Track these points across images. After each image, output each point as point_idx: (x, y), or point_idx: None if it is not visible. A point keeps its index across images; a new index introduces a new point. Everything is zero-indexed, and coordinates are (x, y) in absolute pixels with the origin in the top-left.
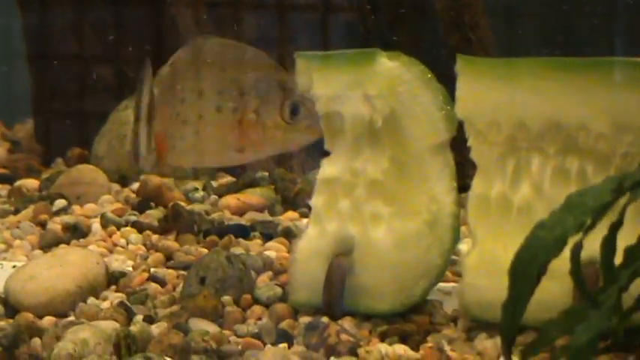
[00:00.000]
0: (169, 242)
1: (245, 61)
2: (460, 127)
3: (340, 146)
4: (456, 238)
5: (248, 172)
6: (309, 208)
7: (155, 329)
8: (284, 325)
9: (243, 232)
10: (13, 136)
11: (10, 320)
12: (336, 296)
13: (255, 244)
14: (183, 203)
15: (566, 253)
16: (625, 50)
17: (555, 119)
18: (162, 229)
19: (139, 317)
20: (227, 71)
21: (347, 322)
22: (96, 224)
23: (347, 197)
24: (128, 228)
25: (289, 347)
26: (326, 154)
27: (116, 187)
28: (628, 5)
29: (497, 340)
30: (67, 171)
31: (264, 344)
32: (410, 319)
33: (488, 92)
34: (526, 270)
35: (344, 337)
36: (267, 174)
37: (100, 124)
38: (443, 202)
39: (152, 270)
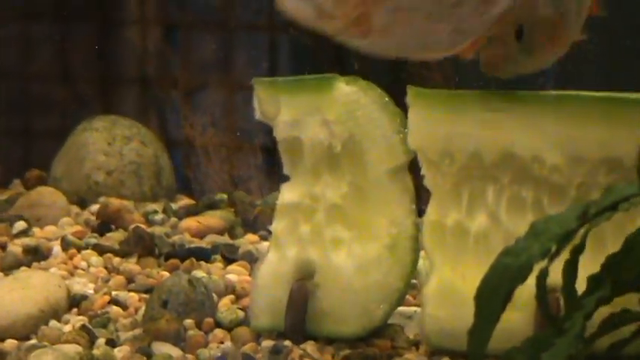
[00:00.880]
0: (131, 265)
1: None
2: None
3: (299, 171)
4: (416, 261)
5: (207, 195)
6: (270, 231)
7: (118, 353)
8: (247, 348)
9: (204, 255)
10: None
11: None
12: (298, 320)
13: (216, 268)
14: (143, 225)
15: (527, 281)
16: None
17: (509, 150)
18: (124, 252)
19: (102, 341)
20: None
21: (310, 347)
22: (56, 247)
23: (307, 222)
24: (89, 251)
25: None
26: (284, 178)
27: (75, 209)
28: None
29: None
30: (26, 193)
31: None
32: (372, 344)
33: (440, 123)
34: (492, 296)
35: None
36: (226, 196)
37: (57, 145)
38: (402, 225)
39: (114, 293)
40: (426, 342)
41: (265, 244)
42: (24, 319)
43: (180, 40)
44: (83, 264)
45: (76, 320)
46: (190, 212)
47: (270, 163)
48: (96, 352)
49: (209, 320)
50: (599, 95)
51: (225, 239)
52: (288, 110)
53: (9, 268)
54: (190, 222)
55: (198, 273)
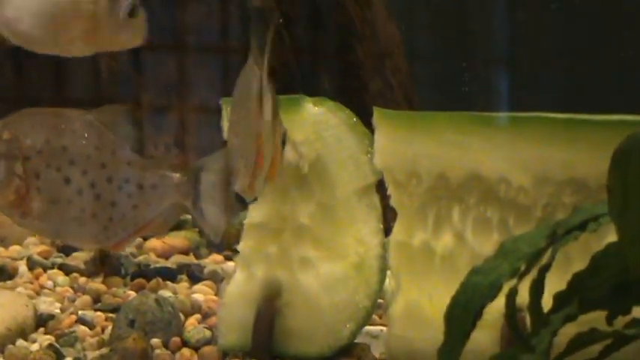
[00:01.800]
0: (97, 285)
1: None
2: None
3: (268, 192)
4: (383, 280)
5: None
6: (234, 251)
7: None
8: None
9: (170, 274)
10: None
11: None
12: (264, 340)
13: (182, 287)
14: None
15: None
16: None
17: (476, 172)
18: (90, 272)
19: (69, 359)
20: None
21: None
22: (22, 266)
23: (274, 242)
24: (55, 270)
25: None
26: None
27: None
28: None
29: None
30: None
31: None
32: None
33: (406, 144)
34: (462, 314)
35: None
36: (190, 217)
37: None
38: (369, 245)
39: (80, 312)
40: None
41: (230, 264)
42: None
43: (143, 61)
44: (49, 283)
45: (43, 339)
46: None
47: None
48: None
49: (176, 339)
50: (563, 117)
51: (191, 259)
52: None
53: None
54: (155, 242)
55: (165, 292)
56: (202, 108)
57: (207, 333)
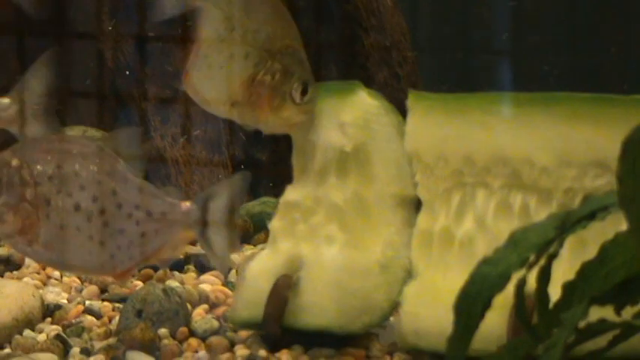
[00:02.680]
0: None
1: None
2: None
3: (307, 174)
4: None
5: None
6: (240, 241)
7: None
8: (223, 358)
9: (177, 265)
10: None
11: None
12: (276, 311)
13: (189, 277)
14: None
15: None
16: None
17: (501, 153)
18: None
19: (76, 350)
20: None
21: (284, 355)
22: None
23: (305, 222)
24: None
25: None
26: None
27: None
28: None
29: None
30: None
31: None
32: (346, 352)
33: (437, 126)
34: (471, 305)
35: None
36: None
37: None
38: (399, 253)
39: (87, 302)
40: (402, 341)
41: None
42: None
43: (150, 51)
44: (56, 274)
45: (50, 329)
46: None
47: None
48: None
49: (183, 329)
50: (588, 95)
51: (198, 249)
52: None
53: None
54: None
55: (172, 283)
56: None
57: (215, 323)
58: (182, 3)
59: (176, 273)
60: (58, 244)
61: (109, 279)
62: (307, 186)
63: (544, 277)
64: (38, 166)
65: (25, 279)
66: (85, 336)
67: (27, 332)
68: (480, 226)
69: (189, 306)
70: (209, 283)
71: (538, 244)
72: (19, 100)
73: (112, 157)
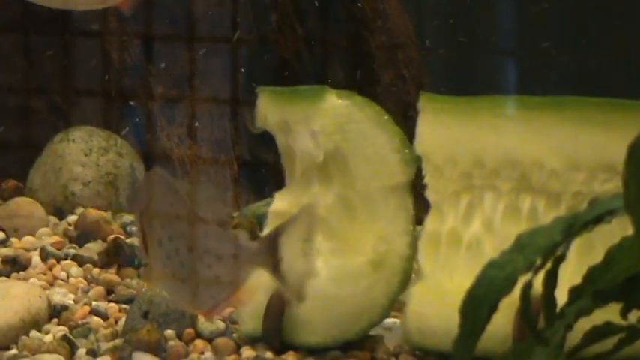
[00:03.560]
0: (110, 275)
1: None
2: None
3: (292, 180)
4: (406, 281)
5: None
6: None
7: None
8: (228, 359)
9: None
10: None
11: None
12: (273, 327)
13: None
14: (121, 236)
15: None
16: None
17: (511, 156)
18: (103, 263)
19: (83, 351)
20: None
21: (290, 357)
22: (36, 257)
23: None
24: (68, 261)
25: None
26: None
27: (54, 220)
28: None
29: None
30: (4, 204)
31: None
32: (352, 355)
33: (448, 129)
34: (477, 308)
35: None
36: None
37: (34, 156)
38: (393, 244)
39: (94, 303)
40: (408, 340)
41: None
42: (5, 329)
43: (156, 51)
44: (63, 274)
45: (56, 330)
46: None
47: (246, 175)
48: None
49: (189, 331)
50: (598, 100)
51: None
52: (283, 119)
53: None
54: None
55: None
56: (214, 99)
57: (221, 324)
58: None
59: None
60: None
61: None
62: (293, 193)
63: (551, 281)
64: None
65: (32, 280)
66: (92, 337)
67: (33, 333)
68: (488, 229)
69: None
70: None
71: (545, 248)
72: None
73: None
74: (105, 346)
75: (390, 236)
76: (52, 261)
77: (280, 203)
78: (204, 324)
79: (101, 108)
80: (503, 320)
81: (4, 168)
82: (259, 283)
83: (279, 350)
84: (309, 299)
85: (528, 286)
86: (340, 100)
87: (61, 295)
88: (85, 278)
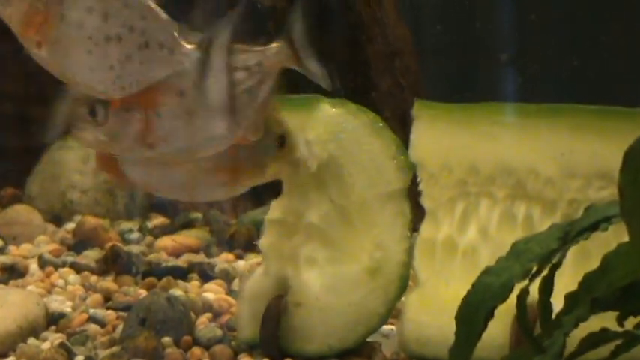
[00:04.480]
0: (108, 283)
1: None
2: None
3: (289, 189)
4: (404, 287)
5: (181, 214)
6: (244, 249)
7: None
8: None
9: (180, 273)
10: None
11: None
12: (270, 335)
13: (193, 286)
14: (119, 244)
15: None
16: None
17: (506, 163)
18: (101, 270)
19: (80, 358)
20: None
21: None
22: (33, 265)
23: (289, 239)
24: (66, 269)
25: None
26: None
27: (51, 227)
28: None
29: None
30: (2, 211)
31: None
32: None
33: (442, 136)
34: (473, 315)
35: None
36: (201, 215)
37: (32, 164)
38: (391, 251)
39: (91, 311)
40: (405, 349)
41: (241, 262)
42: (2, 337)
43: None
44: (60, 282)
45: (54, 338)
46: (166, 231)
47: None
48: None
49: (187, 338)
50: (593, 107)
51: (201, 258)
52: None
53: None
54: (166, 241)
55: (176, 291)
56: None
57: (218, 332)
58: None
59: (180, 281)
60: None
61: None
62: (288, 201)
63: (547, 288)
64: None
65: (30, 287)
66: (89, 344)
67: (31, 340)
68: (484, 236)
69: (192, 314)
70: (212, 292)
71: (541, 255)
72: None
73: None
74: (102, 353)
75: (387, 243)
76: (50, 268)
77: (276, 212)
78: (201, 331)
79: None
80: (499, 328)
81: (2, 175)
82: (259, 290)
83: (276, 358)
84: (306, 307)
85: (525, 293)
86: (334, 109)
87: (58, 303)
88: (83, 286)
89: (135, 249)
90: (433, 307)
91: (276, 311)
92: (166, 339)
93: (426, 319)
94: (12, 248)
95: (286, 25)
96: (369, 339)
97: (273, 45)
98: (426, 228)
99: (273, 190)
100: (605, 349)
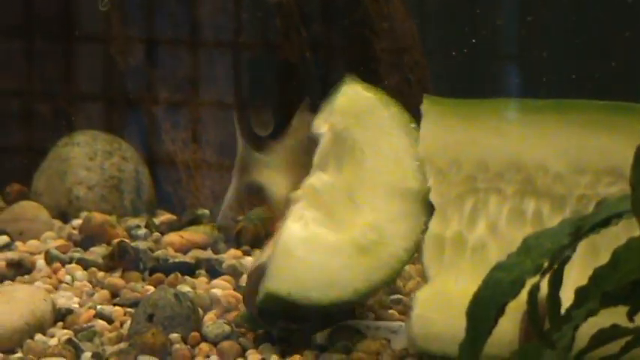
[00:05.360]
0: (115, 279)
1: None
2: None
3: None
4: (392, 279)
5: (188, 210)
6: (251, 246)
7: None
8: None
9: (188, 269)
10: None
11: None
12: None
13: (200, 282)
14: (126, 240)
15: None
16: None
17: (515, 159)
18: (108, 266)
19: (88, 354)
20: None
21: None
22: (40, 261)
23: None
24: (73, 265)
25: None
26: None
27: (58, 223)
28: None
29: None
30: (9, 207)
31: None
32: (357, 357)
33: (451, 131)
34: (484, 311)
35: None
36: (208, 212)
37: (38, 160)
38: (387, 239)
39: (99, 307)
40: (413, 345)
41: (248, 259)
42: (9, 333)
43: (161, 56)
44: (67, 278)
45: (61, 334)
46: (173, 227)
47: None
48: None
49: (195, 334)
50: (603, 103)
51: (209, 254)
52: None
53: None
54: (173, 237)
55: (183, 287)
56: (219, 103)
57: (227, 328)
58: None
59: (187, 278)
60: None
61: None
62: (314, 172)
63: (556, 282)
64: None
65: (37, 283)
66: (97, 340)
67: (38, 337)
68: (493, 232)
69: (200, 311)
70: (220, 288)
71: (552, 250)
72: None
73: None
74: (110, 349)
75: (385, 231)
76: (57, 264)
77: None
78: (209, 327)
79: (105, 112)
80: (508, 325)
81: (8, 172)
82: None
83: (282, 351)
84: (281, 257)
85: (536, 289)
86: (364, 92)
87: (65, 299)
88: (90, 282)
89: (142, 245)
90: (442, 304)
91: (261, 270)
92: (174, 335)
93: (434, 315)
94: (19, 244)
95: None
96: (377, 335)
97: None
98: (434, 225)
99: None
100: (616, 346)
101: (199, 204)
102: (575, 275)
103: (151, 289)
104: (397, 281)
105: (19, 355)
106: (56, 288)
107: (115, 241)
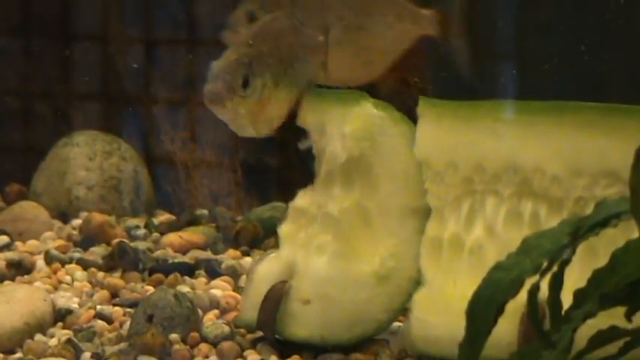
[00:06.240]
0: (115, 280)
1: None
2: None
3: (317, 180)
4: (408, 302)
5: (187, 210)
6: (251, 246)
7: None
8: None
9: (187, 270)
10: None
11: None
12: (268, 318)
13: (200, 283)
14: (125, 240)
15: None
16: None
17: (512, 161)
18: (107, 267)
19: (87, 354)
20: None
21: None
22: (40, 261)
23: (307, 229)
24: (73, 265)
25: None
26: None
27: (58, 223)
28: None
29: None
30: (8, 207)
31: None
32: (355, 358)
33: (448, 133)
34: (483, 311)
35: None
36: (207, 212)
37: (37, 160)
38: (404, 264)
39: (98, 307)
40: (411, 348)
41: (248, 259)
42: (9, 333)
43: (160, 56)
44: (67, 278)
45: (61, 334)
46: (172, 227)
47: (249, 179)
48: None
49: (194, 335)
50: (600, 105)
51: (208, 254)
52: (322, 120)
53: None
54: (173, 237)
55: (183, 288)
56: None
57: (226, 328)
58: None
59: (187, 278)
60: None
61: None
62: (314, 192)
63: (556, 284)
64: None
65: (36, 283)
66: (97, 341)
67: (38, 337)
68: (490, 234)
69: (200, 311)
70: (220, 289)
71: (551, 250)
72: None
73: None
74: (109, 350)
75: (402, 255)
76: (57, 265)
77: (301, 200)
78: (209, 328)
79: (104, 112)
80: (507, 326)
81: (8, 172)
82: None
83: (281, 352)
84: (305, 294)
85: (536, 289)
86: (376, 110)
87: (65, 299)
88: (90, 282)
89: (141, 245)
90: (440, 306)
91: (278, 295)
92: (173, 336)
93: (432, 317)
94: (18, 244)
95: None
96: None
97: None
98: (432, 226)
99: (278, 187)
100: (614, 347)
101: (198, 204)
102: (574, 277)
103: (151, 289)
104: None
105: (18, 355)
106: (56, 288)
107: (115, 241)
